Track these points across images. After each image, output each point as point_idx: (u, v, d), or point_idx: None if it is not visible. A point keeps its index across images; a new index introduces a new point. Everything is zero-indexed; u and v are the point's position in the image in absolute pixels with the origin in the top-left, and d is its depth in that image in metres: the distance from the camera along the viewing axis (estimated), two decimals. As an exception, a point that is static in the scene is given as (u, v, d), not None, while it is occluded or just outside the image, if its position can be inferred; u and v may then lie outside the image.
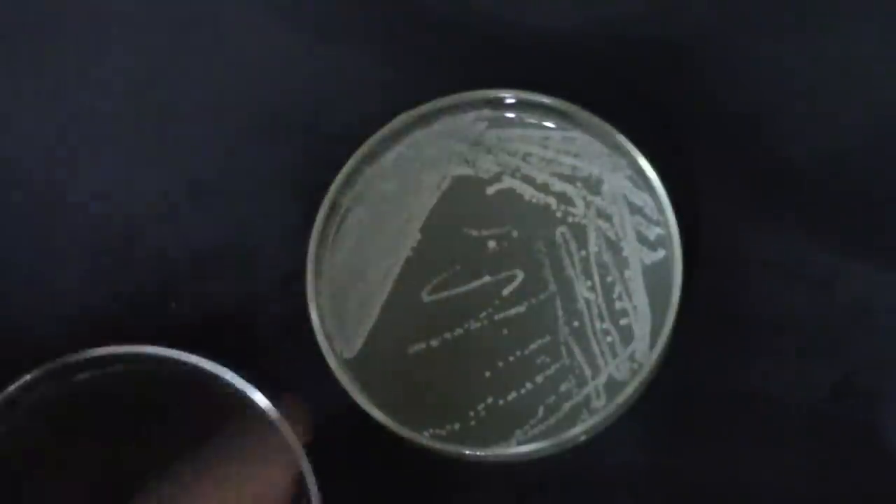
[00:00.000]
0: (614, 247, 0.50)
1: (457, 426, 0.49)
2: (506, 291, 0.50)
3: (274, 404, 0.48)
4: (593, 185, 0.50)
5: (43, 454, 0.50)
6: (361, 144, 0.50)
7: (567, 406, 0.49)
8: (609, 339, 0.49)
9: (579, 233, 0.50)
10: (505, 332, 0.49)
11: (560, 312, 0.49)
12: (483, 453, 0.48)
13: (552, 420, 0.48)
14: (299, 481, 0.48)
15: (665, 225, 0.49)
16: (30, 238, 0.52)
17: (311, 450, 0.48)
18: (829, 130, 0.51)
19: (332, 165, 0.50)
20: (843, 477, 0.49)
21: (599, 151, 0.50)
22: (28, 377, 0.49)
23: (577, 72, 0.52)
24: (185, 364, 0.49)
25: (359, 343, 0.49)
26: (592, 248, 0.50)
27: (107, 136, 0.53)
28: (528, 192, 0.50)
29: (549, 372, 0.49)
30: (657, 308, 0.49)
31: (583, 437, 0.48)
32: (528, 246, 0.50)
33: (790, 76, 0.52)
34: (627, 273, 0.49)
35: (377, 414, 0.47)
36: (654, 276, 0.49)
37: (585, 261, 0.50)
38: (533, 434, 0.48)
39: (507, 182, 0.51)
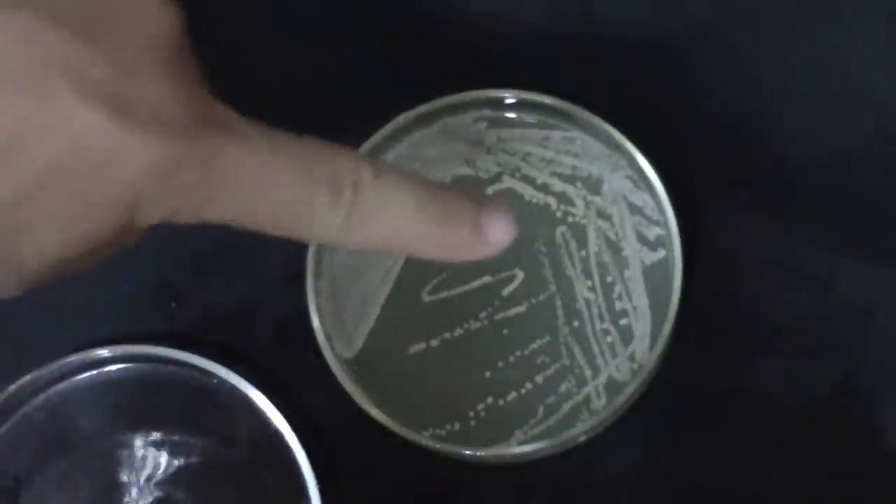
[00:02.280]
0: (614, 247, 0.50)
1: (457, 426, 0.49)
2: (506, 291, 0.50)
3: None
4: (593, 185, 0.50)
5: (43, 454, 0.50)
6: (361, 144, 0.50)
7: (567, 406, 0.49)
8: (609, 339, 0.49)
9: (579, 233, 0.50)
10: (505, 332, 0.49)
11: (560, 312, 0.49)
12: (483, 453, 0.48)
13: (552, 420, 0.48)
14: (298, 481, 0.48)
15: (665, 225, 0.49)
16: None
17: (312, 450, 0.48)
18: (829, 130, 0.51)
19: (332, 165, 0.50)
20: (843, 477, 0.49)
21: (599, 151, 0.50)
22: (28, 377, 0.49)
23: (577, 72, 0.52)
24: (185, 364, 0.49)
25: (359, 343, 0.49)
26: (592, 248, 0.50)
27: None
28: (528, 192, 0.50)
29: (549, 372, 0.49)
30: (657, 308, 0.49)
31: (583, 437, 0.48)
32: (528, 246, 0.50)
33: (790, 76, 0.52)
34: (627, 273, 0.49)
35: (377, 414, 0.47)
36: (654, 276, 0.49)
37: (585, 261, 0.50)
38: (533, 434, 0.48)
39: (507, 182, 0.51)
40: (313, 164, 0.36)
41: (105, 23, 0.34)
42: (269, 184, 0.35)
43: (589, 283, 0.49)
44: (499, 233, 0.39)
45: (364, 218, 0.37)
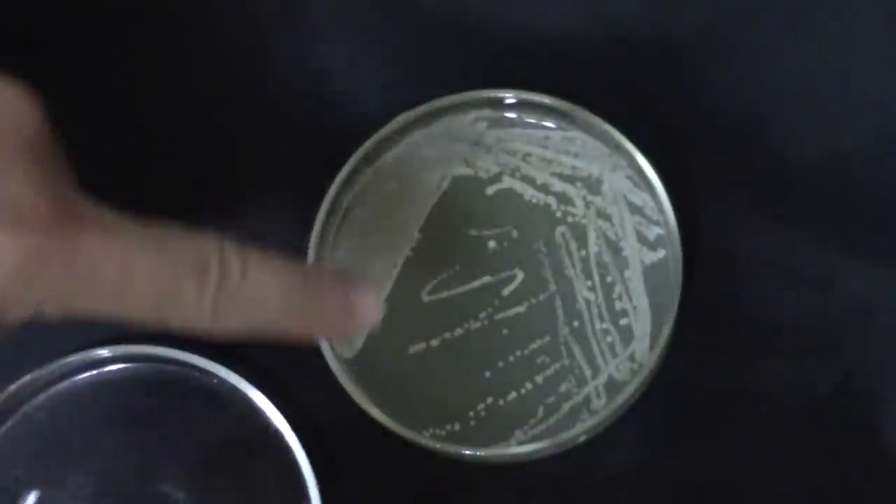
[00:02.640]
0: (614, 247, 0.50)
1: (457, 426, 0.49)
2: (506, 291, 0.50)
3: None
4: (593, 185, 0.50)
5: (43, 454, 0.50)
6: (361, 144, 0.50)
7: (567, 406, 0.49)
8: (609, 339, 0.49)
9: (579, 233, 0.50)
10: (505, 332, 0.49)
11: (560, 312, 0.49)
12: (483, 453, 0.48)
13: (552, 420, 0.48)
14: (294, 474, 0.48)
15: (665, 225, 0.49)
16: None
17: (312, 450, 0.48)
18: (829, 130, 0.51)
19: (332, 165, 0.50)
20: (843, 477, 0.49)
21: (599, 151, 0.50)
22: (28, 377, 0.49)
23: (577, 72, 0.52)
24: (185, 364, 0.49)
25: (359, 343, 0.49)
26: (592, 248, 0.50)
27: (107, 136, 0.53)
28: (528, 192, 0.50)
29: (549, 372, 0.49)
30: (657, 308, 0.49)
31: (583, 437, 0.48)
32: (528, 246, 0.50)
33: (790, 76, 0.52)
34: (627, 273, 0.49)
35: (377, 414, 0.47)
36: (654, 276, 0.49)
37: (585, 261, 0.50)
38: (533, 434, 0.48)
39: (507, 182, 0.51)
40: (178, 252, 0.36)
41: None
42: (134, 276, 0.35)
43: (589, 283, 0.49)
44: (367, 309, 0.39)
45: (233, 303, 0.37)
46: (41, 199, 0.34)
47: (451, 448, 0.48)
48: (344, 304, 0.39)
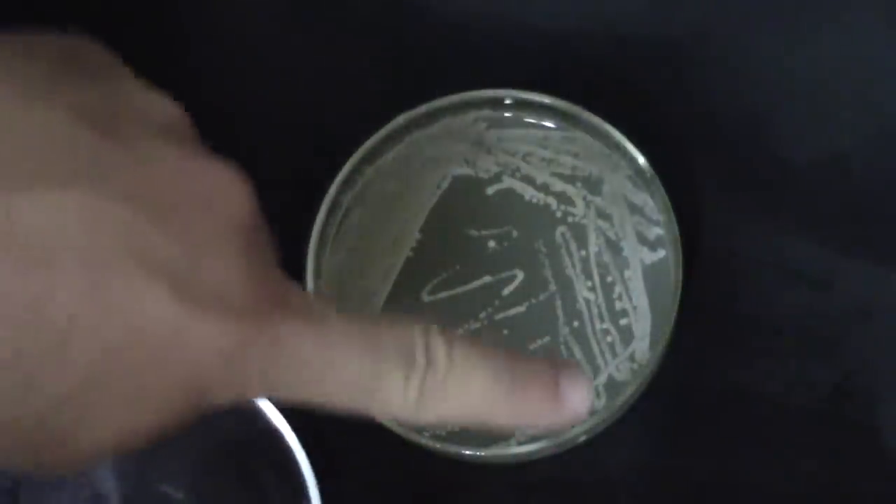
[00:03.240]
0: (614, 247, 0.50)
1: (457, 426, 0.49)
2: (506, 291, 0.50)
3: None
4: (593, 185, 0.50)
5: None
6: (361, 144, 0.50)
7: (567, 406, 0.49)
8: (609, 339, 0.49)
9: (579, 233, 0.50)
10: (505, 332, 0.49)
11: (560, 312, 0.49)
12: (483, 453, 0.48)
13: (552, 420, 0.48)
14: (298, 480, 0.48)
15: (665, 225, 0.49)
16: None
17: (312, 450, 0.48)
18: (829, 131, 0.51)
19: (332, 165, 0.50)
20: (843, 477, 0.49)
21: (599, 151, 0.50)
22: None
23: (577, 72, 0.52)
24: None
25: (359, 343, 0.49)
26: (592, 248, 0.50)
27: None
28: (528, 192, 0.50)
29: (549, 372, 0.49)
30: (657, 308, 0.49)
31: (583, 437, 0.48)
32: (528, 246, 0.50)
33: (790, 76, 0.52)
34: (627, 273, 0.49)
35: (377, 414, 0.47)
36: (654, 276, 0.49)
37: (585, 261, 0.50)
38: (533, 434, 0.48)
39: (507, 182, 0.51)
40: (384, 343, 0.35)
41: (173, 200, 0.32)
42: (340, 366, 0.34)
43: (589, 283, 0.49)
44: (577, 398, 0.37)
45: (439, 394, 0.35)
46: (247, 286, 0.33)
47: (451, 448, 0.48)
48: (553, 394, 0.37)
